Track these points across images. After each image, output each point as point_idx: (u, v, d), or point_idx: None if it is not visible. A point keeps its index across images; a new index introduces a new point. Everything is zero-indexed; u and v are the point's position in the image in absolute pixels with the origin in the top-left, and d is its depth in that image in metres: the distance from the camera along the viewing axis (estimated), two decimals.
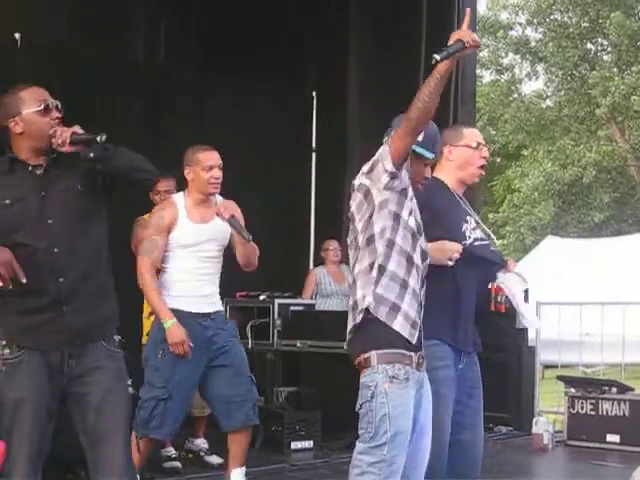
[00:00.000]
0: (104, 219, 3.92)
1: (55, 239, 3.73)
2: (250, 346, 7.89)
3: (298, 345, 8.12)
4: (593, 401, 8.26)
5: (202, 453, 6.93)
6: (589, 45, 28.69)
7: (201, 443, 6.96)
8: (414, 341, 3.69)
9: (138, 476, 4.41)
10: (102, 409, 3.73)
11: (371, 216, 3.69)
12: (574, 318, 9.44)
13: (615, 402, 8.17)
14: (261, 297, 8.36)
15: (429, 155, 3.87)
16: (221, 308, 5.59)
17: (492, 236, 4.56)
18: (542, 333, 9.25)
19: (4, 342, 3.72)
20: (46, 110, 3.79)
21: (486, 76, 30.03)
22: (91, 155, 3.69)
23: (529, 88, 32.91)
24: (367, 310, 3.66)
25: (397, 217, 3.69)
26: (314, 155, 10.72)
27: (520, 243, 26.85)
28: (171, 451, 6.73)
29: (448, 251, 4.09)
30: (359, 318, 3.69)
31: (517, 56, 29.96)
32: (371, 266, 3.69)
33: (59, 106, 3.86)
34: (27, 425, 3.65)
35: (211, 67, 9.70)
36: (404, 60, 9.33)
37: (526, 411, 8.78)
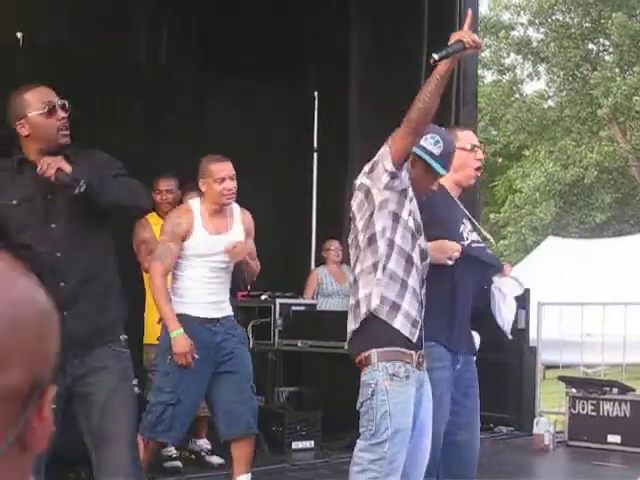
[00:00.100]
0: (109, 222, 3.93)
1: (58, 243, 3.74)
2: (251, 346, 7.88)
3: (299, 345, 8.12)
4: (594, 402, 8.26)
5: (203, 453, 6.93)
6: (591, 45, 28.68)
7: (203, 444, 6.96)
8: (414, 340, 3.70)
9: None
10: (107, 409, 3.73)
11: (371, 215, 3.71)
12: (575, 318, 9.44)
13: (616, 403, 8.16)
14: (262, 297, 8.36)
15: (442, 172, 3.91)
16: (230, 313, 5.60)
17: (489, 238, 4.56)
18: (543, 333, 9.25)
19: None
20: (51, 111, 3.80)
21: (488, 76, 30.03)
22: (75, 193, 3.67)
23: (531, 88, 32.89)
24: (370, 310, 3.68)
25: (397, 217, 3.70)
26: (315, 155, 10.72)
27: (521, 243, 26.84)
28: (172, 451, 6.74)
29: (448, 250, 4.10)
30: (362, 318, 3.70)
31: (519, 56, 29.95)
32: (373, 266, 3.70)
33: (66, 105, 3.85)
34: None
35: (211, 67, 9.70)
36: (405, 60, 9.33)
37: (527, 411, 8.78)
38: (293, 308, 8.34)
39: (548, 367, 11.75)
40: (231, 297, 5.72)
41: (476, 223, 4.48)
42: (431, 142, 3.87)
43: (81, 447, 3.83)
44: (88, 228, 3.81)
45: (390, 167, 3.63)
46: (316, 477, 6.74)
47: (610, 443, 8.07)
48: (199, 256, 5.39)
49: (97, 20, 8.62)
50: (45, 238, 3.73)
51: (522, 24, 29.50)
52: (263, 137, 9.73)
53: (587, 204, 27.01)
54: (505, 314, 4.39)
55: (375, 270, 3.69)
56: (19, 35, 8.39)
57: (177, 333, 5.27)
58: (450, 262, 4.10)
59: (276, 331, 8.20)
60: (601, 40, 28.50)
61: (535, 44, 29.24)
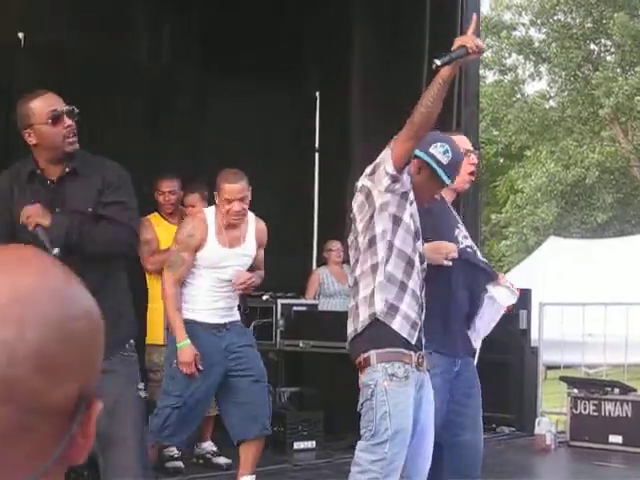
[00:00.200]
0: None
1: (66, 260, 3.73)
2: None
3: (301, 345, 8.12)
4: (596, 402, 8.25)
5: (209, 456, 6.92)
6: (592, 46, 28.65)
7: (208, 446, 6.95)
8: (413, 341, 3.70)
9: None
10: (114, 413, 3.72)
11: (372, 217, 3.71)
12: (577, 319, 9.43)
13: (618, 403, 8.16)
14: (264, 297, 8.35)
15: (448, 181, 3.93)
16: (237, 319, 5.65)
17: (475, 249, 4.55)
18: (545, 334, 9.25)
19: None
20: (56, 120, 3.79)
21: (489, 76, 30.01)
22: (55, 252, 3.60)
23: (532, 89, 32.85)
24: (375, 314, 3.69)
25: (397, 219, 3.70)
26: (317, 155, 10.72)
27: (523, 244, 26.81)
28: (173, 451, 6.73)
29: (443, 250, 4.10)
30: (366, 321, 3.70)
31: (520, 56, 29.92)
32: (373, 268, 3.70)
33: (73, 111, 3.84)
34: None
35: (211, 67, 9.70)
36: (407, 59, 9.33)
37: (529, 412, 8.77)
38: (295, 308, 8.35)
39: (550, 367, 11.75)
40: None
41: (466, 234, 4.46)
42: (440, 151, 3.87)
43: None
44: None
45: (391, 170, 3.64)
46: (318, 477, 6.74)
47: (612, 443, 8.06)
48: (210, 267, 5.43)
49: (97, 20, 8.62)
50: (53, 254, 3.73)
51: (524, 24, 29.49)
52: (265, 137, 9.72)
53: (589, 204, 26.99)
54: (482, 326, 4.37)
55: (375, 272, 3.70)
56: (20, 35, 8.40)
57: (184, 344, 5.33)
58: (447, 262, 4.10)
59: (278, 331, 8.20)
60: (603, 40, 28.47)
61: (537, 44, 29.22)
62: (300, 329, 8.15)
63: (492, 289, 4.35)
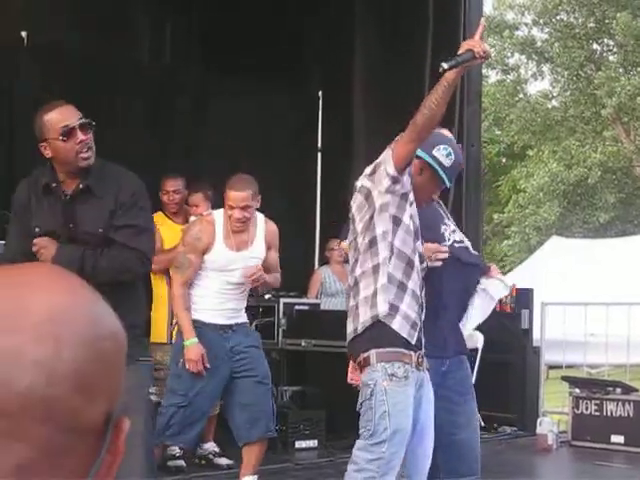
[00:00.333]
0: None
1: None
2: None
3: (303, 344, 8.12)
4: (597, 402, 8.26)
5: (211, 456, 6.93)
6: (595, 45, 28.64)
7: (210, 447, 6.95)
8: (413, 341, 3.70)
9: None
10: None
11: (371, 218, 3.71)
12: (579, 318, 9.43)
13: (620, 403, 8.16)
14: (266, 296, 8.35)
15: (448, 184, 3.94)
16: (245, 320, 5.68)
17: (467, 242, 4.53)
18: (547, 334, 9.25)
19: None
20: (68, 136, 3.77)
21: (492, 76, 29.97)
22: None
23: (535, 88, 32.83)
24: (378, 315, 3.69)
25: (397, 220, 3.70)
26: (320, 155, 10.72)
27: (525, 243, 26.80)
28: (175, 450, 6.74)
29: (428, 253, 4.07)
30: (368, 322, 3.70)
31: (523, 56, 29.90)
32: (374, 269, 3.70)
33: (89, 124, 3.82)
34: None
35: (212, 67, 9.70)
36: (410, 58, 9.32)
37: (530, 411, 8.77)
38: (297, 307, 8.35)
39: (551, 367, 11.73)
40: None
41: (455, 227, 4.44)
42: (443, 153, 3.88)
43: None
44: None
45: (392, 171, 3.64)
46: (319, 476, 6.74)
47: (613, 443, 8.06)
48: (217, 270, 5.45)
49: (97, 20, 8.64)
50: None
51: (526, 24, 29.47)
52: (265, 137, 9.73)
53: (591, 204, 26.98)
54: (474, 316, 4.37)
55: (377, 273, 3.70)
56: (23, 34, 8.41)
57: (191, 342, 5.36)
58: (437, 263, 4.08)
59: (280, 330, 8.21)
60: (605, 40, 28.46)
61: (539, 44, 29.20)
62: (302, 328, 8.16)
63: (484, 282, 4.35)
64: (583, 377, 9.53)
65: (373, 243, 3.71)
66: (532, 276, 12.16)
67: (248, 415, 5.39)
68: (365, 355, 3.70)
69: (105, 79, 8.52)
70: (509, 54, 30.04)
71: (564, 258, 14.96)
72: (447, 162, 3.88)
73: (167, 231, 6.74)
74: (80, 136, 3.79)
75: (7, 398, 0.84)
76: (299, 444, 7.48)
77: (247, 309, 6.23)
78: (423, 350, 3.78)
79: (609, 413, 8.19)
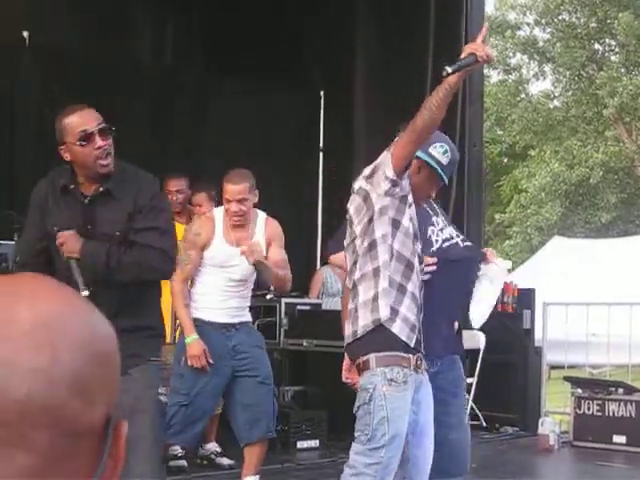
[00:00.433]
0: None
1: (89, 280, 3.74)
2: None
3: (304, 344, 8.12)
4: (599, 402, 8.25)
5: (213, 456, 6.93)
6: (597, 45, 28.63)
7: (212, 447, 6.95)
8: (412, 344, 3.69)
9: None
10: (130, 417, 3.71)
11: (370, 221, 3.69)
12: (580, 318, 9.43)
13: (621, 403, 8.16)
14: (268, 296, 8.33)
15: (446, 181, 3.94)
16: (248, 320, 5.68)
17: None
18: (548, 334, 9.25)
19: None
20: (87, 140, 3.76)
21: (494, 76, 29.95)
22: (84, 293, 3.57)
23: (536, 88, 32.81)
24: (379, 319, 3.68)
25: (396, 223, 3.69)
26: (321, 154, 10.72)
27: (527, 243, 26.79)
28: (177, 450, 6.74)
29: None
30: (369, 327, 3.69)
31: (525, 56, 29.89)
32: (374, 272, 3.69)
33: (109, 129, 3.81)
34: None
35: (212, 67, 9.70)
36: (411, 58, 9.32)
37: (532, 412, 8.77)
38: (298, 307, 8.35)
39: (553, 367, 11.72)
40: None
41: (446, 222, 4.39)
42: (440, 151, 3.87)
43: None
44: None
45: (391, 174, 3.62)
46: (321, 476, 6.73)
47: (615, 443, 8.06)
48: (217, 266, 5.45)
49: (98, 20, 8.64)
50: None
51: (528, 24, 29.46)
52: (265, 137, 9.73)
53: (593, 204, 26.97)
54: (480, 305, 4.36)
55: (377, 277, 3.68)
56: (25, 34, 8.41)
57: (192, 339, 5.37)
58: (426, 277, 3.99)
59: (281, 330, 8.20)
60: (607, 40, 28.45)
61: (541, 44, 29.19)
62: (304, 328, 8.15)
63: (483, 268, 4.34)
64: (585, 377, 9.53)
65: (373, 246, 3.70)
66: (534, 276, 12.15)
67: (249, 415, 5.39)
68: (364, 359, 3.69)
69: (105, 79, 8.52)
70: (511, 54, 30.04)
71: (566, 258, 14.96)
72: (444, 160, 3.88)
73: (183, 237, 6.74)
74: (99, 142, 3.77)
75: (5, 407, 0.84)
76: (301, 444, 7.48)
77: (249, 308, 6.24)
78: (422, 352, 3.76)
79: (611, 413, 8.18)
